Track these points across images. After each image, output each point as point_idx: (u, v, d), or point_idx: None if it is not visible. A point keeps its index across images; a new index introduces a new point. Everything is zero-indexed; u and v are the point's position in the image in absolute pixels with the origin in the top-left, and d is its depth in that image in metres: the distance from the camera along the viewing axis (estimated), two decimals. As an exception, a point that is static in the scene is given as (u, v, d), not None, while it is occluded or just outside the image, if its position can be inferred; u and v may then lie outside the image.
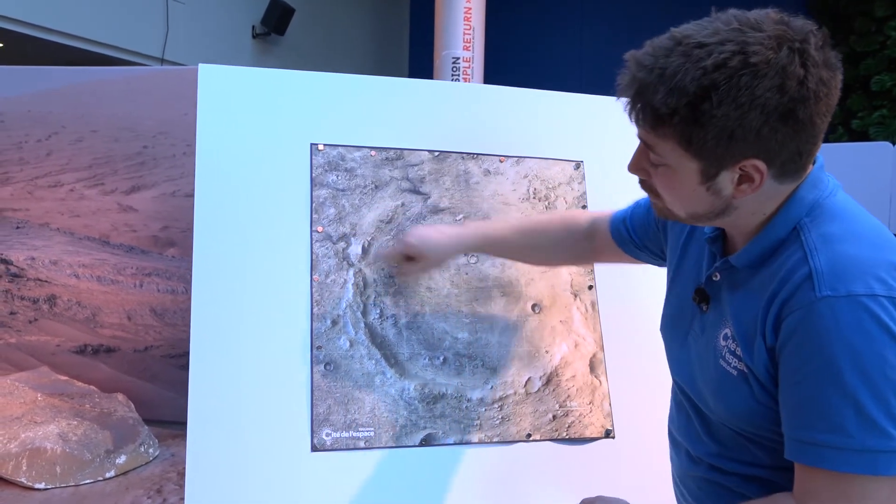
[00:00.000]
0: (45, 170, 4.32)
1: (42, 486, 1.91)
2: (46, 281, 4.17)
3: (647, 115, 0.88)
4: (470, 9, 6.78)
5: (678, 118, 0.85)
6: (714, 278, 1.03)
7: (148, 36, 6.83)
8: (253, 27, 7.82)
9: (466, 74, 6.76)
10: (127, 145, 4.16)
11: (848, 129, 7.84)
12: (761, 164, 0.88)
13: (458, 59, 6.77)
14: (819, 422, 0.85)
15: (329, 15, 8.90)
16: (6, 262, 4.31)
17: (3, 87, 4.12)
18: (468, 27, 6.78)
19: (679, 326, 1.10)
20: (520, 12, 8.98)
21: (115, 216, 4.18)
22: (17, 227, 4.23)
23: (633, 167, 0.98)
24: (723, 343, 0.98)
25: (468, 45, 6.79)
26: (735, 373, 0.96)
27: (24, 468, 1.95)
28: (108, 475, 1.92)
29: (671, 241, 1.18)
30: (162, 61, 6.90)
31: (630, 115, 0.91)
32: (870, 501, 0.84)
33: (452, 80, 6.71)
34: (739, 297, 0.97)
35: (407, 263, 1.37)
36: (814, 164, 0.96)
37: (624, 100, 0.91)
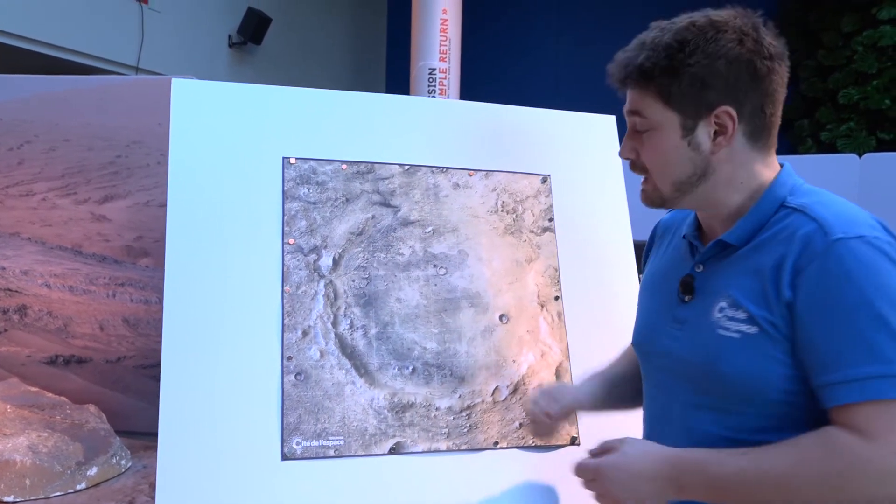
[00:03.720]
0: (16, 179, 4.27)
1: (11, 499, 1.89)
2: (17, 291, 4.12)
3: (633, 76, 1.04)
4: (447, 20, 6.85)
5: (658, 70, 1.01)
6: (698, 269, 1.10)
7: (123, 44, 6.79)
8: (229, 36, 7.81)
9: (443, 85, 6.82)
10: (100, 154, 4.14)
11: (816, 141, 7.99)
12: (732, 111, 1.01)
13: (434, 70, 6.83)
14: (858, 356, 0.90)
15: (306, 25, 8.92)
16: (-24, 271, 4.22)
17: (-25, 96, 4.07)
18: (444, 39, 6.85)
19: (656, 326, 1.17)
20: (497, 25, 9.07)
21: (88, 225, 4.15)
22: (-12, 237, 4.16)
23: (625, 149, 1.12)
24: (718, 315, 1.04)
25: (444, 56, 6.85)
26: (738, 335, 1.01)
27: (-7, 481, 1.93)
28: (79, 487, 1.91)
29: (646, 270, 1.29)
30: (137, 70, 6.87)
31: (621, 87, 1.07)
32: None
33: (429, 90, 6.76)
34: (734, 270, 1.05)
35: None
36: (781, 166, 1.09)
37: (616, 84, 1.08)
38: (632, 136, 1.10)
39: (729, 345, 1.02)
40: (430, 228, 1.58)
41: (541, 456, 1.52)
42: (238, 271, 1.45)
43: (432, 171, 1.62)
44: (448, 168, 1.64)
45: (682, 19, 1.04)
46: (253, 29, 7.71)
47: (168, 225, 1.43)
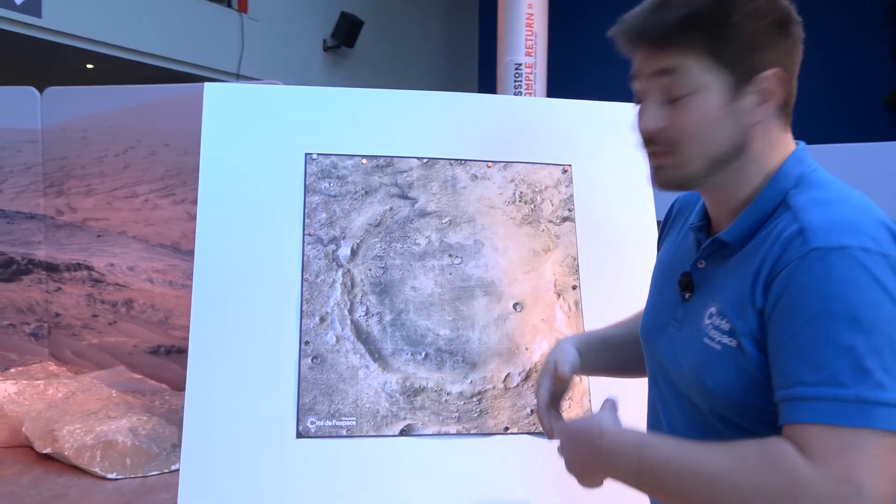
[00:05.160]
0: (122, 182, 4.65)
1: (114, 476, 2.11)
2: (124, 285, 4.47)
3: (675, 29, 0.91)
4: (532, 15, 6.82)
5: (709, 19, 0.90)
6: (700, 265, 1.02)
7: (225, 53, 7.21)
8: (324, 40, 8.12)
9: (529, 81, 6.79)
10: (195, 158, 4.41)
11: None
12: (782, 73, 0.92)
13: (520, 65, 6.81)
14: (811, 374, 0.82)
15: (398, 26, 9.12)
16: (89, 268, 4.65)
17: (88, 106, 4.46)
18: (530, 33, 6.82)
19: (659, 322, 1.11)
20: (585, 20, 8.93)
21: (185, 224, 4.45)
22: (99, 236, 4.57)
23: (651, 119, 0.96)
24: (707, 321, 0.97)
25: (531, 51, 6.82)
26: (719, 347, 0.94)
27: (98, 459, 2.16)
28: (173, 468, 2.10)
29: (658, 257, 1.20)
30: (238, 76, 7.26)
31: (646, 47, 0.95)
32: (868, 458, 0.79)
33: (515, 86, 6.76)
34: (729, 273, 0.96)
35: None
36: (797, 145, 0.99)
37: (629, 45, 0.96)
38: (657, 101, 0.95)
39: (711, 356, 0.94)
40: (446, 219, 1.63)
41: (551, 442, 1.53)
42: (261, 260, 1.55)
43: (451, 164, 1.67)
44: (466, 160, 1.68)
45: None
46: (346, 33, 7.97)
47: (198, 217, 1.55)
